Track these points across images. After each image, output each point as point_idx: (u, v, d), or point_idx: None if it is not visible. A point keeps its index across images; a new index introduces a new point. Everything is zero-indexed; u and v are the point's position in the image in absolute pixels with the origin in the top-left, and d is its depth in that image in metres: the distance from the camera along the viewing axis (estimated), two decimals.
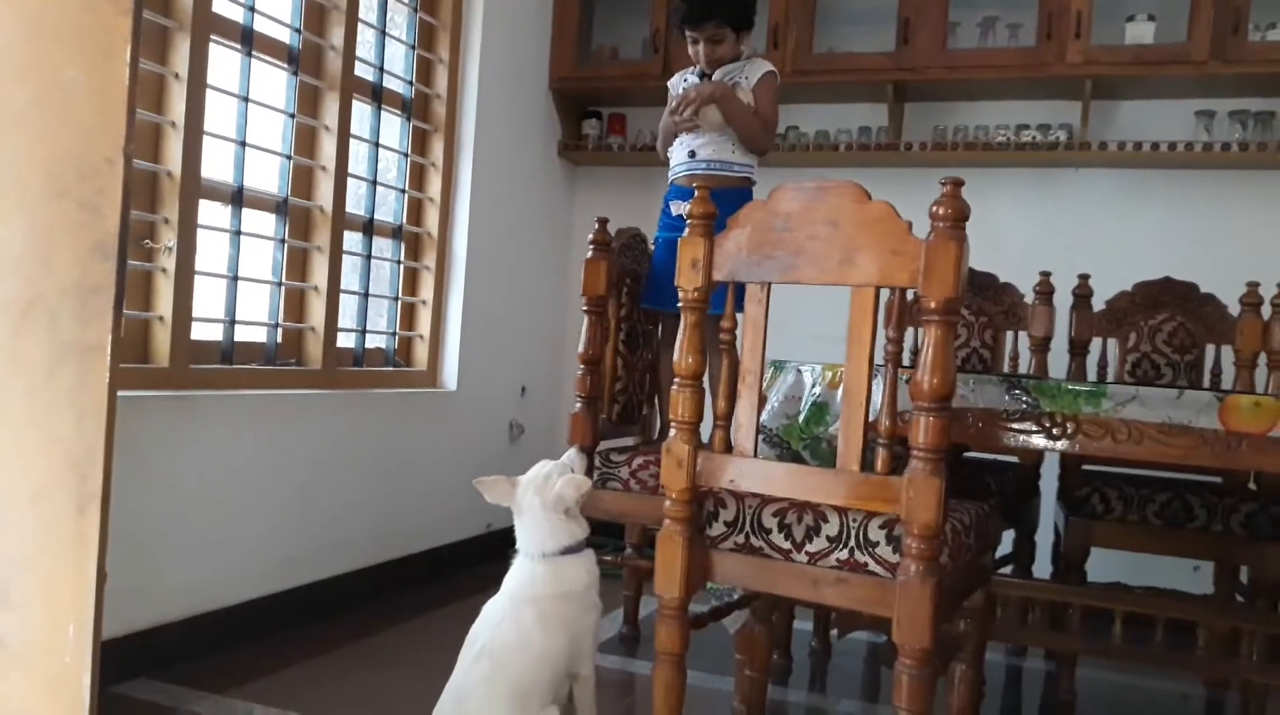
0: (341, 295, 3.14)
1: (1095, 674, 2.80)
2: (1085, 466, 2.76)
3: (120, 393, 1.21)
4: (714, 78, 2.74)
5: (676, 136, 2.78)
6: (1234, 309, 2.91)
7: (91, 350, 1.18)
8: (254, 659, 2.58)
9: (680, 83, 2.83)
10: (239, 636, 2.67)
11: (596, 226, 2.55)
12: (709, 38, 2.69)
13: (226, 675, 2.42)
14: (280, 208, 2.94)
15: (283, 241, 2.95)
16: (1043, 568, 2.96)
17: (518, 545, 2.00)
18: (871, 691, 2.76)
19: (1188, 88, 3.50)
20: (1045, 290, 3.04)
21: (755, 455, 1.77)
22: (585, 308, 2.55)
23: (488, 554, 3.82)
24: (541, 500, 1.96)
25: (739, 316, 1.81)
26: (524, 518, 1.98)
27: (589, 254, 2.54)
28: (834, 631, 2.84)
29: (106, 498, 1.20)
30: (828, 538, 1.74)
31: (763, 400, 1.84)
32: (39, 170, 1.21)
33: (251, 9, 2.78)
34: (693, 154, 2.74)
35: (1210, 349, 3.01)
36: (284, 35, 2.93)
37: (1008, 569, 2.91)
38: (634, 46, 4.13)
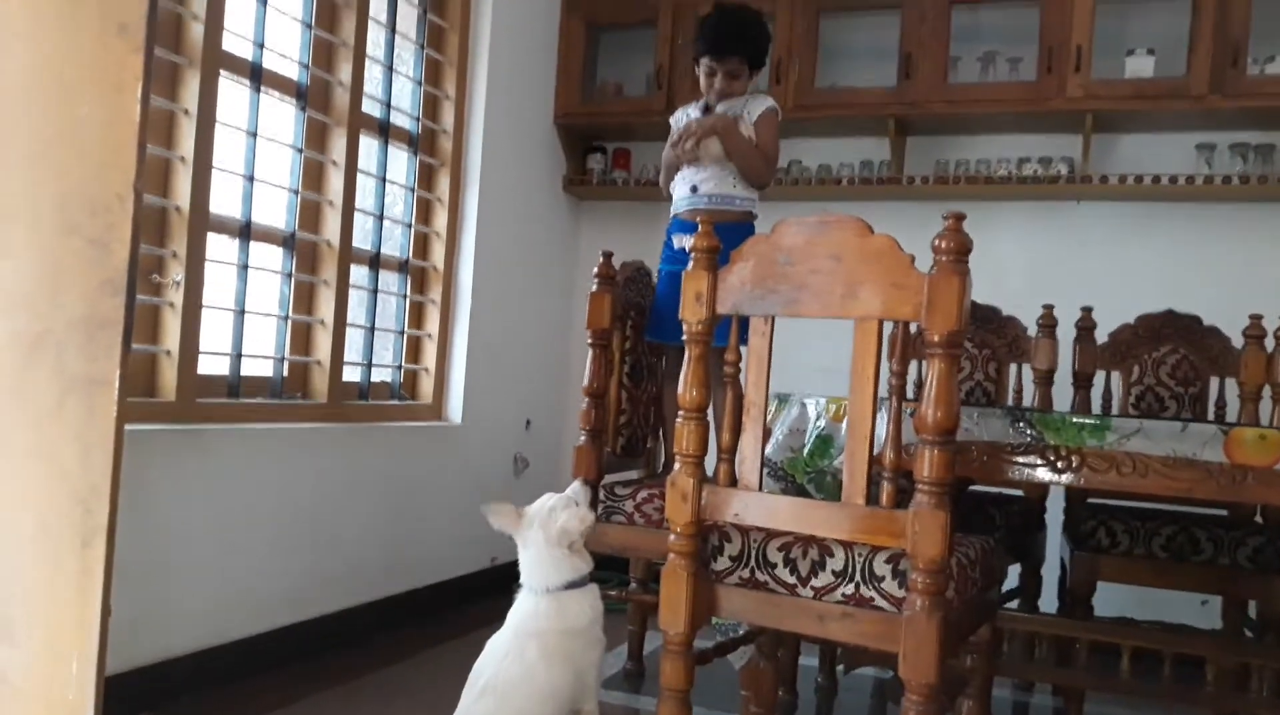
0: (348, 329, 3.15)
1: (1103, 709, 2.77)
2: (1090, 500, 2.75)
3: (127, 426, 1.22)
4: (717, 109, 2.76)
5: (678, 170, 2.80)
6: (1237, 341, 2.91)
7: (99, 384, 1.19)
8: (258, 695, 2.56)
9: (683, 117, 2.86)
10: (243, 672, 2.65)
11: (601, 260, 2.56)
12: (728, 70, 2.72)
13: (230, 711, 2.41)
14: (287, 242, 2.96)
15: (290, 275, 2.97)
16: (1049, 602, 2.94)
17: (521, 579, 1.99)
18: None
19: (1188, 121, 3.53)
20: (1048, 323, 3.04)
21: (760, 489, 1.77)
22: (590, 341, 2.55)
23: (492, 588, 3.80)
24: (545, 535, 1.96)
25: (743, 349, 1.81)
26: (528, 552, 1.98)
27: (593, 287, 2.55)
28: (840, 667, 2.82)
29: (112, 532, 1.20)
30: (833, 572, 1.73)
31: (767, 433, 1.84)
32: (50, 205, 1.22)
33: (261, 46, 2.81)
34: (694, 188, 2.76)
35: (1214, 382, 3.00)
36: (292, 71, 2.96)
37: (1014, 603, 2.89)
38: (638, 83, 4.17)
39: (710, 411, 1.85)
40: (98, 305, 1.18)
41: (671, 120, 2.89)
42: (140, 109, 1.22)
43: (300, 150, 2.99)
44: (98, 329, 1.18)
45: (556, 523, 1.95)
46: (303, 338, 3.08)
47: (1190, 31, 3.36)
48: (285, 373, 3.00)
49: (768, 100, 2.77)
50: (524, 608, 1.96)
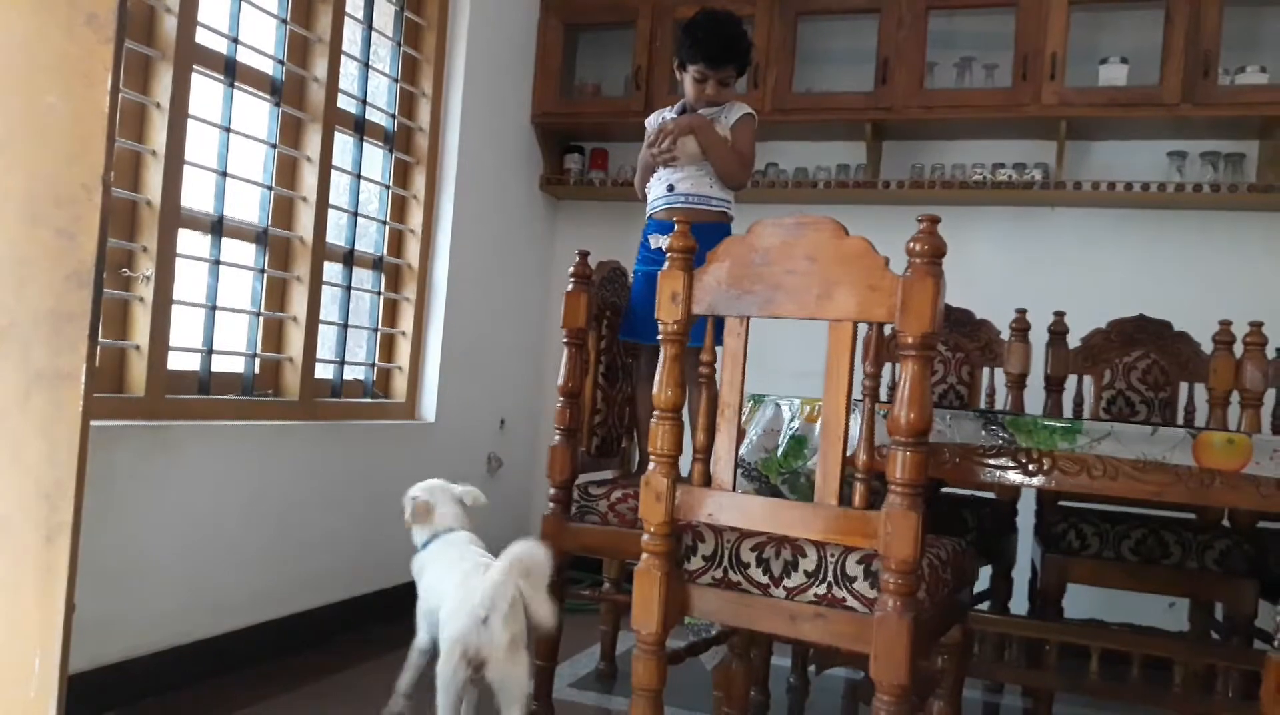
0: (321, 326, 3.13)
1: (1072, 710, 2.79)
2: (1061, 502, 2.77)
3: (94, 422, 1.20)
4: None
5: (654, 172, 2.80)
6: (1207, 347, 2.94)
7: (64, 378, 1.17)
8: (225, 694, 2.53)
9: (658, 120, 2.86)
10: (210, 671, 2.63)
11: (577, 259, 2.56)
12: (721, 79, 2.72)
13: (196, 711, 2.38)
14: (260, 238, 2.94)
15: (262, 272, 2.95)
16: (1020, 604, 2.96)
17: (445, 531, 2.32)
18: None
19: (1160, 129, 3.56)
20: (1021, 327, 3.06)
21: (734, 489, 1.77)
22: (565, 340, 2.55)
23: None
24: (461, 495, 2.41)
25: (718, 350, 1.81)
26: (454, 507, 2.38)
27: (569, 287, 2.54)
28: (812, 667, 2.82)
29: (77, 528, 1.18)
30: (805, 573, 1.73)
31: (741, 433, 1.84)
32: (15, 196, 1.20)
33: (235, 40, 2.79)
34: (671, 188, 2.75)
35: (1184, 386, 3.04)
36: (267, 66, 2.94)
37: (985, 605, 2.91)
38: (616, 83, 4.17)
39: (685, 412, 1.85)
40: (64, 298, 1.16)
41: (647, 124, 2.89)
42: (110, 100, 1.21)
43: (274, 146, 2.97)
44: (64, 322, 1.16)
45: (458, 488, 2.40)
46: (275, 334, 3.06)
47: (1163, 41, 3.39)
48: (257, 369, 2.97)
49: (745, 107, 2.78)
50: (464, 539, 2.30)
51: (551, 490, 2.54)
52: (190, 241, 2.69)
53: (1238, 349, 2.87)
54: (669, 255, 1.79)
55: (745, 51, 2.76)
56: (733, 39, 2.72)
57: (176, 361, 2.66)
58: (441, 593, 2.14)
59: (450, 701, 2.03)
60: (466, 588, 2.05)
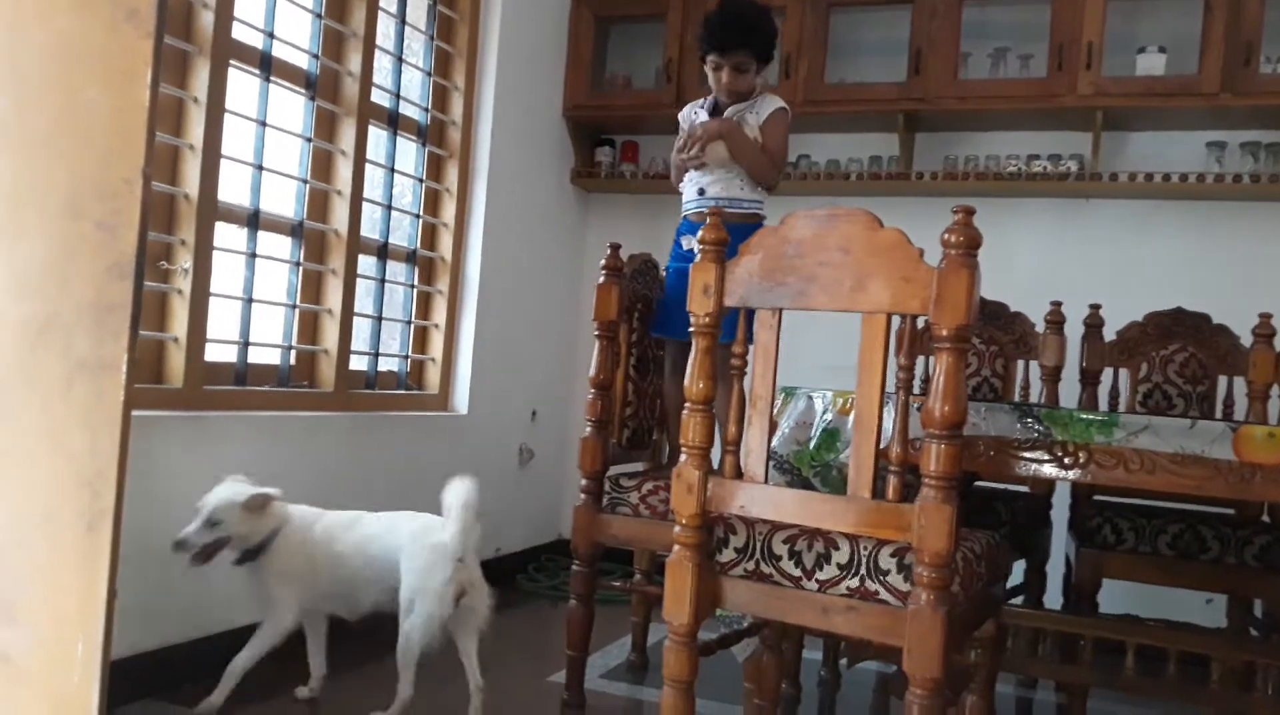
0: (355, 318, 3.15)
1: (1107, 707, 2.77)
2: (1097, 497, 2.74)
3: (134, 412, 1.22)
4: (726, 112, 2.75)
5: (686, 171, 2.79)
6: (1246, 340, 2.90)
7: (106, 368, 1.19)
8: (260, 682, 2.57)
9: (691, 115, 2.84)
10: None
11: (609, 251, 2.56)
12: (735, 65, 2.69)
13: (234, 698, 2.41)
14: (296, 231, 2.97)
15: (298, 264, 2.97)
16: (1053, 598, 2.94)
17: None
18: None
19: (1199, 119, 3.51)
20: (1056, 320, 3.03)
21: (766, 481, 1.77)
22: (596, 332, 2.55)
23: (496, 578, 3.80)
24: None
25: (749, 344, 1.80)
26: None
27: (601, 279, 2.55)
28: (843, 661, 2.82)
29: (118, 516, 1.20)
30: (838, 565, 1.73)
31: (773, 426, 1.83)
32: (57, 190, 1.22)
33: (271, 35, 2.81)
34: (702, 192, 2.75)
35: (1222, 380, 2.99)
36: (302, 61, 2.96)
37: (1018, 599, 2.89)
38: (647, 76, 4.16)
39: (715, 406, 1.85)
40: (105, 289, 1.18)
41: (680, 117, 2.88)
42: (150, 95, 1.22)
43: (309, 140, 2.99)
44: (106, 313, 1.18)
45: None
46: (310, 326, 3.09)
47: (1202, 30, 3.34)
48: (292, 361, 3.00)
49: (777, 101, 2.75)
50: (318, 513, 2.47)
51: (583, 482, 2.55)
52: (227, 235, 2.72)
53: (1278, 342, 2.82)
54: (700, 248, 1.79)
55: (758, 34, 2.70)
56: (743, 25, 2.69)
57: (214, 353, 2.70)
58: (387, 558, 2.36)
59: (428, 643, 2.30)
60: (431, 541, 2.32)
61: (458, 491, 2.32)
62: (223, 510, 2.27)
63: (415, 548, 2.35)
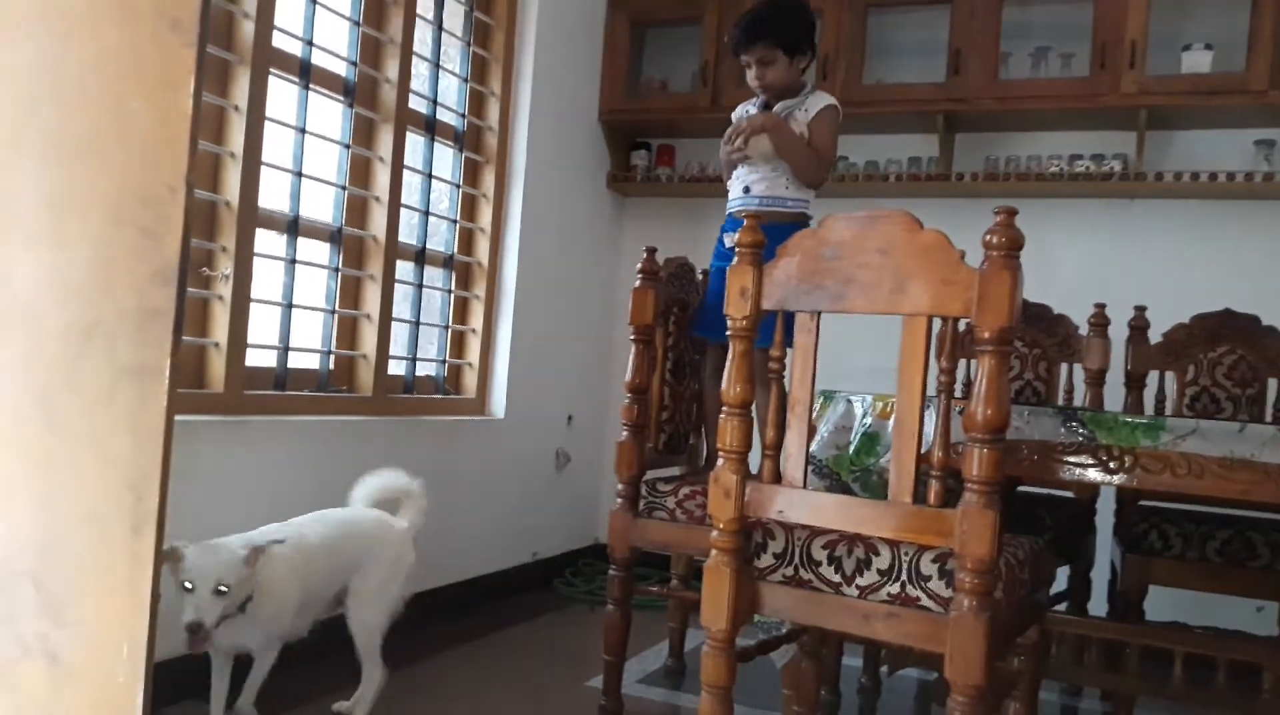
0: (393, 323, 3.17)
1: None
2: (1143, 502, 2.69)
3: (177, 417, 1.23)
4: (774, 109, 2.73)
5: (735, 167, 2.78)
6: None
7: (149, 373, 1.20)
8: (296, 685, 2.58)
9: (743, 112, 2.83)
10: (282, 662, 2.68)
11: (645, 255, 2.55)
12: (758, 59, 2.69)
13: (266, 701, 2.43)
14: (334, 237, 2.99)
15: (336, 270, 3.00)
16: (1098, 605, 2.89)
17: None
18: None
19: (1246, 117, 3.44)
20: (1100, 322, 2.98)
21: (805, 486, 1.75)
22: (633, 336, 2.55)
23: (533, 583, 3.82)
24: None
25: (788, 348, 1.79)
26: None
27: (637, 283, 2.54)
28: (884, 668, 2.79)
29: (162, 520, 1.21)
30: (879, 571, 1.71)
31: (812, 430, 1.82)
32: (102, 197, 1.24)
33: (310, 43, 2.84)
34: (747, 189, 2.74)
35: (1273, 383, 2.93)
36: (340, 69, 2.99)
37: (1062, 606, 2.84)
38: (683, 79, 4.16)
39: (754, 409, 1.83)
40: (149, 295, 1.19)
41: (733, 116, 2.87)
42: (192, 103, 1.23)
43: (347, 147, 3.02)
44: (149, 319, 1.19)
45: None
46: (349, 332, 3.11)
47: (1250, 27, 3.28)
48: (331, 366, 3.03)
49: (828, 98, 2.73)
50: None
51: (619, 486, 2.54)
52: (267, 241, 2.75)
53: None
54: (738, 250, 1.78)
55: (780, 24, 2.67)
56: (756, 18, 2.69)
57: (254, 358, 2.72)
58: (354, 554, 2.36)
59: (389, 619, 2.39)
60: (396, 528, 2.43)
61: (396, 478, 2.48)
62: (228, 574, 2.00)
63: (383, 536, 2.41)
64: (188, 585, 1.97)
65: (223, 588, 1.99)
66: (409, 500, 2.50)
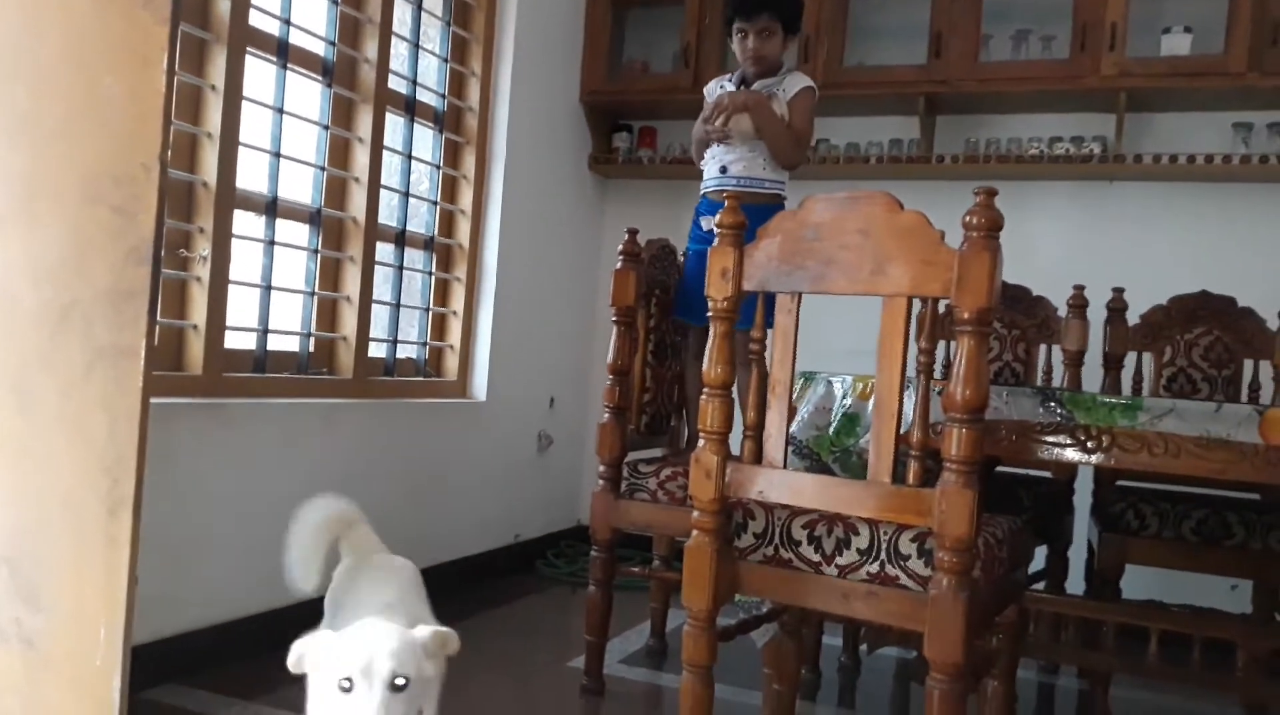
0: (373, 305, 3.16)
1: (1130, 693, 2.75)
2: (1120, 481, 2.72)
3: (153, 399, 1.22)
4: (753, 87, 2.73)
5: (709, 146, 2.77)
6: (1273, 323, 2.86)
7: (125, 354, 1.19)
8: (281, 667, 2.58)
9: (716, 88, 2.82)
10: (267, 644, 2.67)
11: (626, 237, 2.55)
12: (759, 30, 2.67)
13: (252, 684, 2.43)
14: (313, 218, 2.97)
15: (316, 252, 2.98)
16: (1076, 584, 2.92)
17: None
18: (901, 708, 2.73)
19: (1225, 100, 3.46)
20: (1079, 304, 3.00)
21: (785, 466, 1.76)
22: (614, 318, 2.55)
23: (515, 564, 3.82)
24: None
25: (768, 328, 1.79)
26: None
27: (618, 264, 2.54)
28: (864, 646, 2.81)
29: (138, 502, 1.20)
30: (858, 551, 1.72)
31: (792, 411, 1.82)
32: (75, 176, 1.22)
33: (287, 22, 2.81)
34: (724, 169, 2.73)
35: (1248, 364, 2.96)
36: (319, 48, 2.96)
37: (1040, 585, 2.87)
38: (665, 60, 4.14)
39: (735, 391, 1.84)
40: (124, 275, 1.18)
41: (705, 91, 2.85)
42: (166, 80, 1.22)
43: (326, 127, 2.99)
44: (124, 299, 1.18)
45: None
46: (328, 314, 3.09)
47: (1229, 9, 3.29)
48: (311, 348, 3.01)
49: (805, 79, 2.73)
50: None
51: (601, 468, 2.55)
52: (245, 222, 2.73)
53: None
54: (718, 231, 1.78)
55: (786, 2, 2.69)
56: None
57: (233, 340, 2.70)
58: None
59: None
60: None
61: (327, 513, 2.05)
62: (406, 663, 1.47)
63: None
64: (344, 683, 1.47)
65: (399, 683, 1.46)
66: (350, 531, 2.07)
